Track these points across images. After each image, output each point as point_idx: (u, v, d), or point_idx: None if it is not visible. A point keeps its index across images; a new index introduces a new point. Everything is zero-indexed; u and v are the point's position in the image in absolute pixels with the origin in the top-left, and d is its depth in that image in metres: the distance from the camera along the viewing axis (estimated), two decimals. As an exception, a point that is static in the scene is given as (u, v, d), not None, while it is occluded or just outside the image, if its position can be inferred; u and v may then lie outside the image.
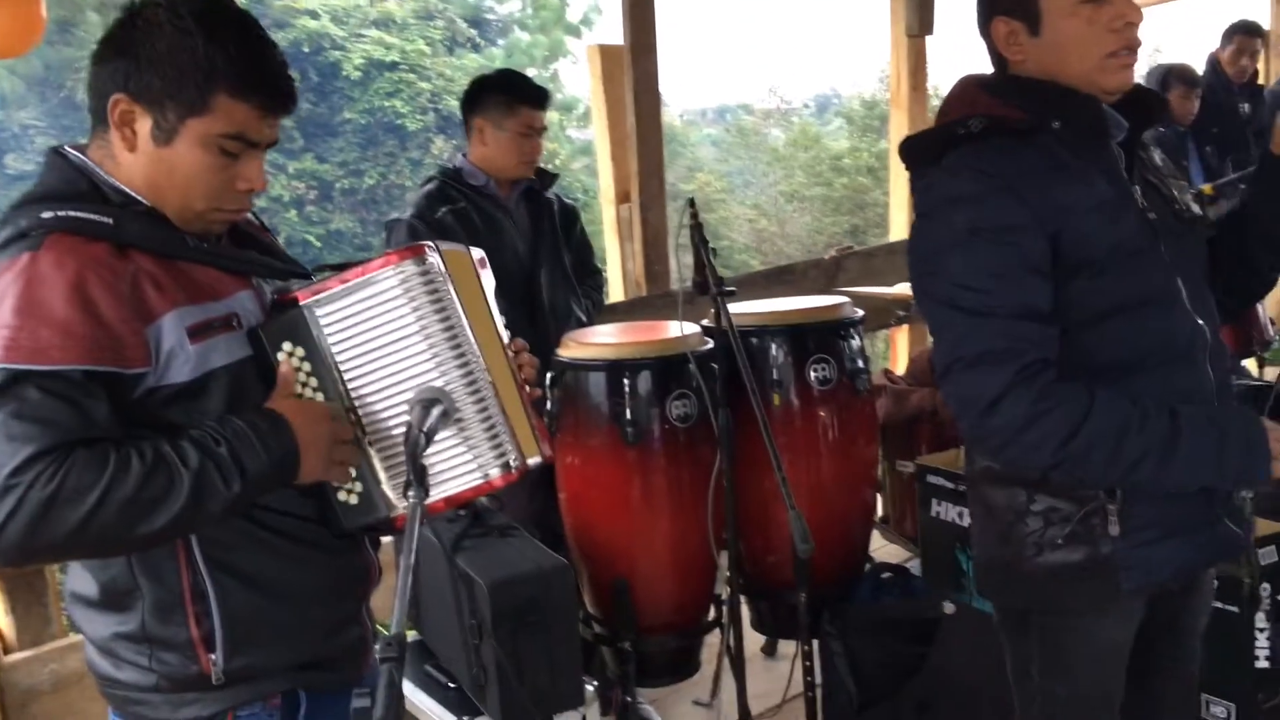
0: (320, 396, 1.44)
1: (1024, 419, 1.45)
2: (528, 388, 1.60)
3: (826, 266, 4.72)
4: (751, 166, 24.63)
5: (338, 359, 1.43)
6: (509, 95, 3.01)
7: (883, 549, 3.67)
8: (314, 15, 19.17)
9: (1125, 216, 1.56)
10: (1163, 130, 4.84)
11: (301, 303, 1.43)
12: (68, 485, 1.21)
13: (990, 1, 1.59)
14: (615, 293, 4.17)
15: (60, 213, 1.31)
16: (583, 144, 21.00)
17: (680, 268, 2.53)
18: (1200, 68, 5.15)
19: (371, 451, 1.45)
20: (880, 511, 3.75)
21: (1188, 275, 1.60)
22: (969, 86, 1.64)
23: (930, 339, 1.66)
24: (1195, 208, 1.69)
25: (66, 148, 1.42)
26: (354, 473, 1.46)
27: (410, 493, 1.28)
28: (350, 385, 1.44)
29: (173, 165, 1.37)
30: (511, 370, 1.58)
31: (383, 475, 1.46)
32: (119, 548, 1.32)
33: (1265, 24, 5.53)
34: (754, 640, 3.08)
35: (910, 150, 1.68)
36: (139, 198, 1.37)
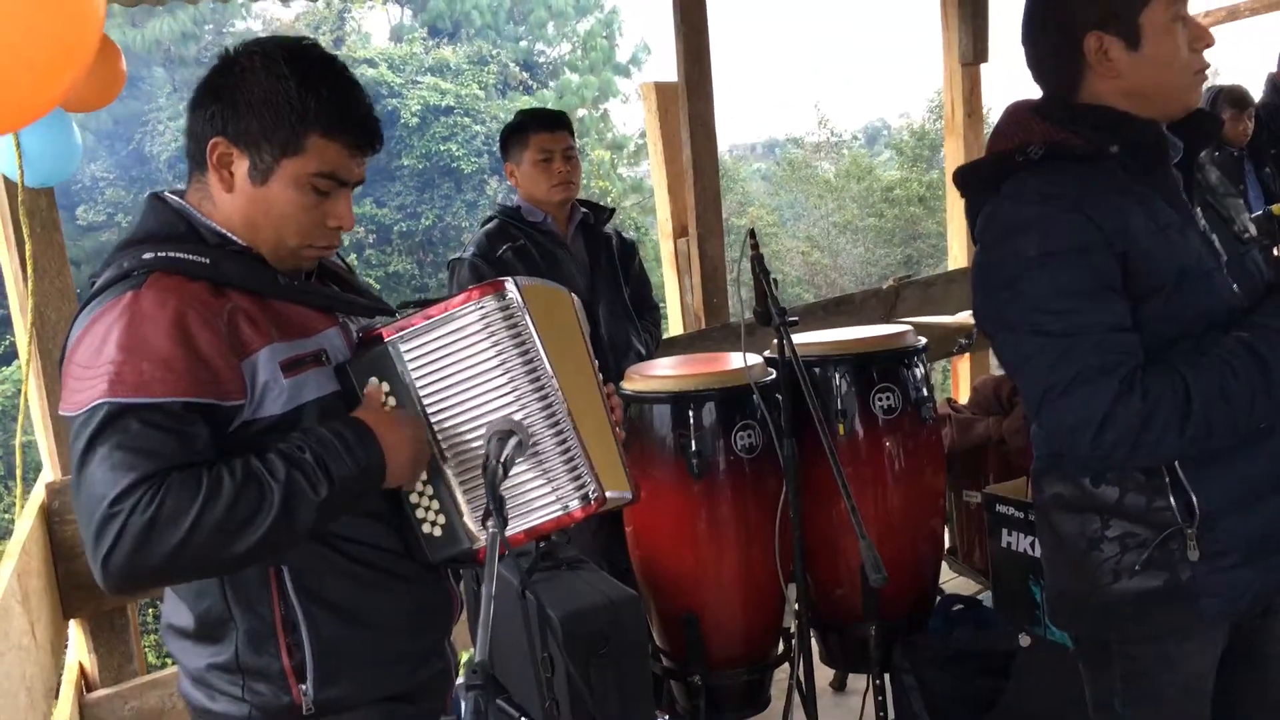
0: None
1: (1139, 424, 1.43)
2: (618, 428, 1.64)
3: (885, 296, 4.71)
4: (802, 199, 24.63)
5: (421, 393, 1.48)
6: (519, 130, 3.09)
7: (951, 581, 3.62)
8: (372, 63, 19.65)
9: (1189, 239, 1.54)
10: (1216, 153, 4.78)
11: (386, 339, 1.49)
12: (165, 508, 1.26)
13: (1074, 17, 1.55)
14: (674, 326, 4.19)
15: (160, 253, 1.37)
16: (634, 181, 21.19)
17: (740, 299, 2.54)
18: (1257, 88, 5.08)
19: (455, 483, 1.49)
20: (948, 543, 3.71)
21: (1251, 295, 1.58)
22: (1022, 112, 1.63)
23: (995, 370, 1.65)
24: (1253, 228, 1.67)
25: (166, 193, 1.49)
26: (438, 504, 1.50)
27: (489, 523, 1.31)
28: (433, 418, 1.48)
29: (268, 203, 1.43)
30: (605, 408, 1.62)
31: (465, 507, 1.49)
32: (218, 566, 1.35)
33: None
34: (823, 674, 3.05)
35: (966, 178, 1.67)
36: (234, 238, 1.44)
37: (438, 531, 1.51)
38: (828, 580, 2.75)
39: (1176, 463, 1.53)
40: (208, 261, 1.39)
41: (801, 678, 2.52)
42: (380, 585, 1.49)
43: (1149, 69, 1.53)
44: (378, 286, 17.36)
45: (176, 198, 1.48)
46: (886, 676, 2.70)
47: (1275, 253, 3.40)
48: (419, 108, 18.99)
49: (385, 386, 1.48)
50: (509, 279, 1.49)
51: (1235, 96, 4.79)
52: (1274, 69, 5.16)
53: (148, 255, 1.37)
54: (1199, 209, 1.61)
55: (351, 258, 17.98)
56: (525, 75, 22.19)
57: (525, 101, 19.89)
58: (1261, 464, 1.56)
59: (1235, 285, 1.57)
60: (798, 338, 2.72)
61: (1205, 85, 4.99)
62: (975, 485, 3.42)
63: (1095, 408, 1.44)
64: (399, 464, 1.42)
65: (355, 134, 1.45)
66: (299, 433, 1.38)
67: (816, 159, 24.89)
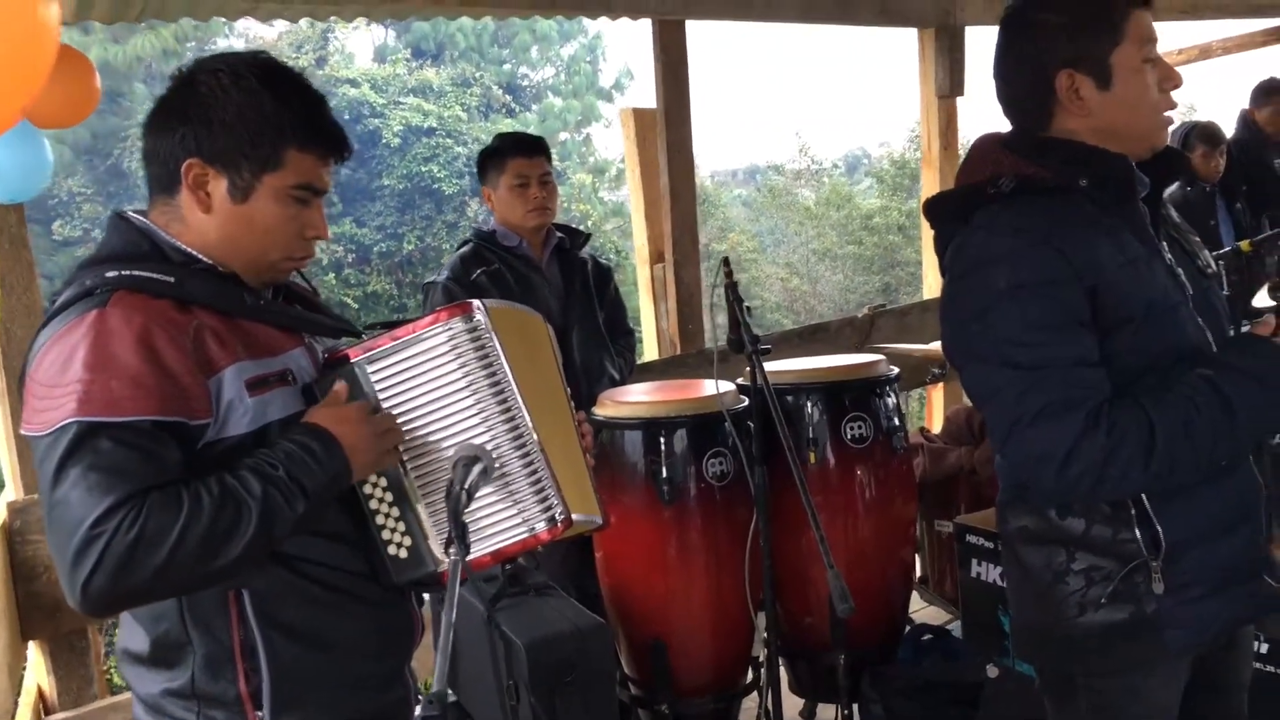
0: None
1: (1103, 459, 1.44)
2: (588, 454, 1.64)
3: (860, 324, 4.73)
4: (783, 226, 24.76)
5: (390, 413, 1.47)
6: (496, 154, 3.09)
7: (922, 610, 3.61)
8: (355, 84, 19.66)
9: (1156, 273, 1.56)
10: (1188, 189, 4.84)
11: (353, 360, 1.48)
12: (149, 529, 1.24)
13: (1046, 55, 1.55)
14: (650, 352, 4.19)
15: (125, 271, 1.36)
16: (615, 205, 21.26)
17: (714, 326, 2.55)
18: (1230, 125, 5.16)
19: (420, 507, 1.49)
20: (919, 572, 3.71)
21: (1215, 329, 1.60)
22: (990, 146, 1.64)
23: (968, 400, 1.65)
24: (1213, 264, 1.69)
25: (129, 212, 1.48)
26: (404, 527, 1.49)
27: (451, 549, 1.30)
28: (400, 442, 1.47)
29: (252, 220, 1.44)
30: (576, 433, 1.63)
31: (431, 530, 1.48)
32: (199, 582, 1.34)
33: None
34: (793, 703, 3.03)
35: (935, 209, 1.68)
36: (200, 257, 1.43)
37: (403, 554, 1.50)
38: (797, 609, 2.74)
39: (1143, 496, 1.53)
40: (172, 280, 1.38)
41: (770, 707, 2.51)
42: (341, 608, 1.48)
43: (1118, 109, 1.55)
44: (356, 307, 17.32)
45: (140, 217, 1.46)
46: (855, 706, 2.69)
47: (1248, 285, 3.44)
48: (401, 128, 18.99)
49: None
50: (477, 301, 1.49)
51: (1208, 133, 4.86)
52: (1246, 106, 5.25)
53: (111, 273, 1.36)
54: (1165, 243, 1.62)
55: (330, 277, 17.92)
56: (508, 98, 22.25)
57: (508, 124, 19.97)
58: (1226, 497, 1.57)
59: (1201, 320, 1.59)
60: (771, 365, 2.73)
61: (1180, 121, 5.05)
62: (947, 515, 3.42)
63: (1061, 441, 1.45)
64: (363, 464, 1.43)
65: (328, 144, 1.47)
66: (266, 449, 1.37)
67: (797, 186, 25.05)
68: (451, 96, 20.24)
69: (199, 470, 1.33)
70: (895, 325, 4.79)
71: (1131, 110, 1.55)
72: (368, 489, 1.50)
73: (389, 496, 1.50)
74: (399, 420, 1.47)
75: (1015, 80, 1.61)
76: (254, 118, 1.40)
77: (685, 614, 2.59)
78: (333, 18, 3.79)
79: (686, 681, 2.62)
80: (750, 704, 2.78)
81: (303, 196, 1.46)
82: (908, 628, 2.93)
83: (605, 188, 22.28)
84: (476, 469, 1.40)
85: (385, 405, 1.47)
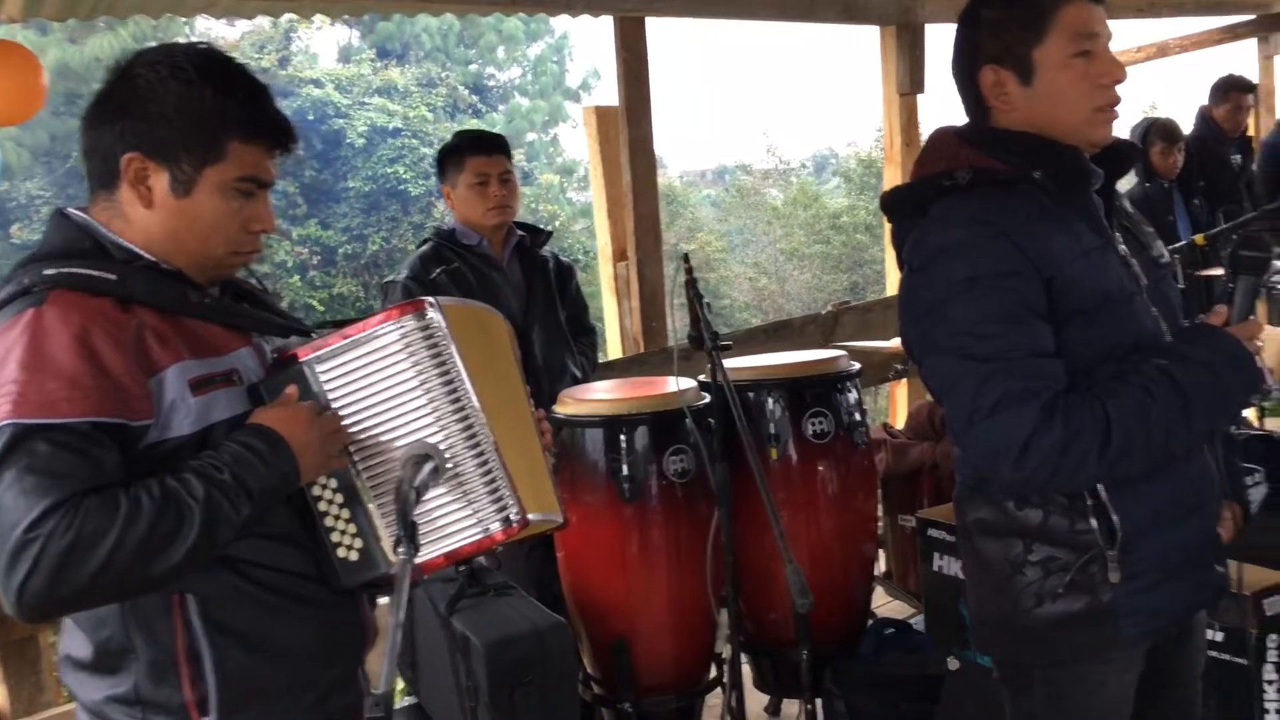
0: None
1: (1059, 448, 1.44)
2: (548, 452, 1.63)
3: (824, 321, 4.74)
4: (751, 226, 24.81)
5: (338, 414, 1.45)
6: (456, 153, 3.07)
7: (887, 605, 3.62)
8: (319, 84, 19.50)
9: (1110, 263, 1.56)
10: (1147, 185, 4.90)
11: (301, 359, 1.46)
12: (85, 532, 1.22)
13: (977, 50, 1.59)
14: (613, 350, 4.18)
15: (63, 269, 1.33)
16: (583, 205, 21.22)
17: (677, 324, 2.54)
18: (1189, 122, 5.23)
19: (372, 507, 1.46)
20: (884, 567, 3.72)
21: (1169, 319, 1.61)
22: (947, 138, 1.65)
23: (930, 394, 1.65)
24: (1167, 253, 1.71)
25: (70, 209, 1.45)
26: (355, 528, 1.47)
27: (400, 550, 1.28)
28: (351, 442, 1.45)
29: (194, 215, 1.41)
30: (535, 432, 1.61)
31: (383, 531, 1.46)
32: (140, 587, 1.32)
33: (1253, 79, 5.61)
34: (757, 700, 3.03)
35: (893, 202, 1.69)
36: (142, 254, 1.40)
37: (354, 556, 1.47)
38: (761, 605, 2.74)
39: (1099, 486, 1.54)
40: (114, 277, 1.35)
41: (734, 704, 2.50)
42: (289, 611, 1.45)
43: (1042, 104, 1.56)
44: (321, 309, 17.18)
45: (81, 214, 1.43)
46: (819, 702, 2.69)
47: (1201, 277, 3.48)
48: (366, 129, 18.86)
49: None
50: (430, 299, 1.47)
51: (1166, 130, 4.92)
52: (1205, 103, 5.32)
53: (49, 271, 1.33)
54: (1118, 234, 1.63)
55: (295, 279, 17.76)
56: (475, 98, 22.16)
57: (475, 125, 19.88)
58: (1181, 487, 1.58)
59: (1155, 310, 1.59)
60: (733, 362, 2.72)
61: (1141, 118, 5.12)
62: (910, 510, 3.43)
63: (1017, 433, 1.45)
64: (311, 465, 1.41)
65: (272, 135, 1.45)
66: (211, 450, 1.35)
67: (765, 186, 25.10)
68: (417, 97, 20.13)
69: (142, 472, 1.30)
70: (859, 322, 4.80)
71: (1054, 106, 1.55)
72: (317, 490, 1.48)
73: (339, 498, 1.48)
74: (350, 420, 1.45)
75: (957, 75, 1.64)
76: (194, 110, 1.38)
77: (647, 612, 2.57)
78: (289, 15, 3.75)
79: (649, 679, 2.61)
80: (715, 700, 2.78)
81: (246, 189, 1.43)
82: (870, 622, 2.93)
83: (573, 188, 22.24)
84: (427, 468, 1.38)
85: (336, 405, 1.45)
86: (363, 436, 1.45)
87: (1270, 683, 2.27)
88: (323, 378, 1.46)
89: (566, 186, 21.61)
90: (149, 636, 1.37)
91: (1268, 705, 2.27)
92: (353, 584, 1.48)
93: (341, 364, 1.45)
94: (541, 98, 23.42)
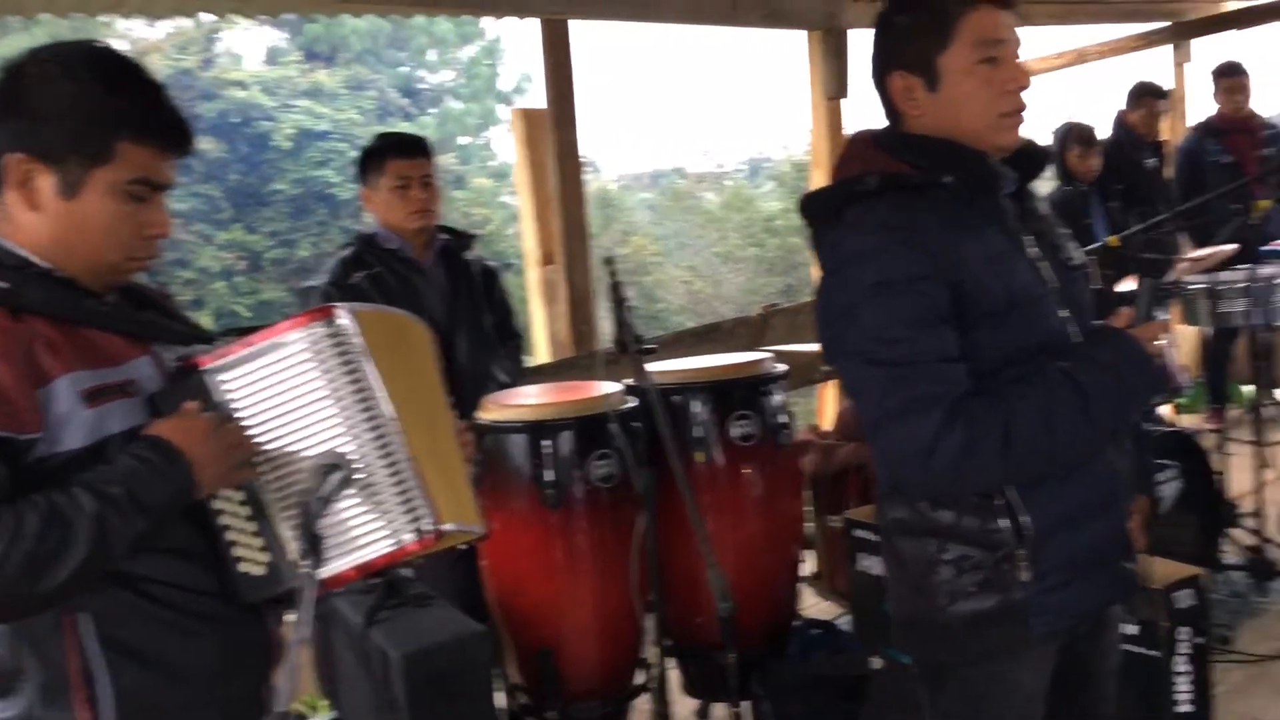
0: None
1: (962, 451, 1.46)
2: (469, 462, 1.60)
3: (754, 324, 4.76)
4: (687, 229, 24.89)
5: (243, 425, 1.41)
6: (376, 155, 3.01)
7: (816, 605, 3.65)
8: (243, 86, 19.12)
9: (1018, 267, 1.58)
10: (1066, 188, 5.00)
11: (203, 368, 1.42)
12: None
13: (888, 57, 1.61)
14: (541, 355, 4.15)
15: None
16: (517, 210, 21.11)
17: (598, 328, 2.53)
18: (1107, 127, 5.35)
19: (280, 519, 1.42)
20: (814, 568, 3.75)
21: (1078, 321, 1.64)
22: (862, 143, 1.66)
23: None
24: (1079, 256, 1.73)
25: None
26: (261, 542, 1.43)
27: (303, 563, 1.25)
28: (257, 452, 1.41)
29: (83, 218, 1.36)
30: (456, 440, 1.58)
31: (291, 545, 1.42)
32: (29, 605, 1.27)
33: (1166, 85, 5.76)
34: (686, 704, 3.03)
35: (809, 207, 1.69)
36: (34, 260, 1.35)
37: (258, 570, 1.43)
38: (687, 609, 2.73)
39: (1009, 486, 1.56)
40: (6, 285, 1.30)
41: (660, 709, 2.49)
42: (189, 628, 1.41)
43: (948, 110, 1.58)
44: (249, 315, 16.84)
45: None
46: (747, 704, 2.69)
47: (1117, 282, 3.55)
48: (293, 132, 18.54)
49: None
50: (342, 305, 1.44)
51: (1083, 134, 5.02)
52: (1123, 108, 5.45)
53: None
54: (1029, 238, 1.65)
55: (220, 285, 17.39)
56: (406, 101, 21.92)
57: (406, 128, 19.66)
58: (1089, 486, 1.60)
59: (1063, 313, 1.62)
60: (659, 365, 2.72)
61: (1062, 122, 5.20)
62: (838, 510, 3.46)
63: (923, 437, 1.47)
64: (211, 479, 1.37)
65: (166, 136, 1.40)
66: (104, 465, 1.30)
67: (701, 189, 25.21)
68: (346, 100, 19.85)
69: (32, 487, 1.26)
70: (789, 324, 4.84)
71: (960, 111, 1.57)
72: (219, 504, 1.44)
73: (244, 510, 1.44)
74: (257, 431, 1.41)
75: (874, 80, 1.65)
76: (83, 109, 1.33)
77: (573, 619, 2.56)
78: (204, 13, 3.66)
79: (576, 686, 2.59)
80: (644, 706, 2.77)
81: (139, 192, 1.38)
82: (797, 623, 2.94)
83: (507, 192, 22.07)
84: (334, 478, 1.35)
85: (240, 416, 1.41)
86: (269, 448, 1.41)
87: (1181, 674, 2.33)
88: (225, 388, 1.42)
89: (500, 191, 21.45)
90: (40, 657, 1.33)
91: (1178, 696, 2.33)
92: (257, 599, 1.44)
93: (245, 373, 1.41)
94: (474, 101, 23.24)
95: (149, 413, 1.39)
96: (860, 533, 2.91)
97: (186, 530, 1.40)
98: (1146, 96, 5.40)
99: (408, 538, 1.41)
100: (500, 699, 2.73)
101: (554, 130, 3.99)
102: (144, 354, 1.43)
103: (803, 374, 4.06)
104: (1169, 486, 3.19)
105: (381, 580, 2.25)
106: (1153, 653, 2.33)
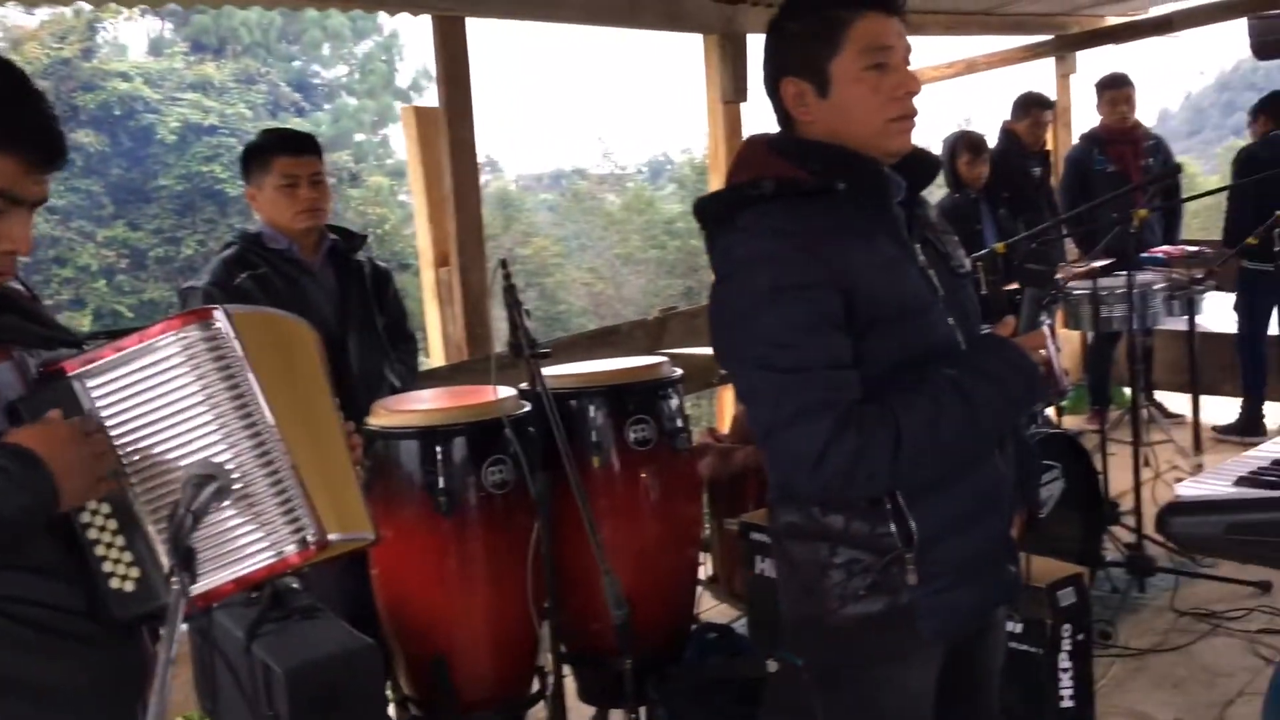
0: None
1: (851, 458, 1.47)
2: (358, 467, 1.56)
3: (651, 327, 4.76)
4: (588, 230, 24.89)
5: (112, 433, 1.35)
6: (261, 152, 2.92)
7: (713, 609, 3.66)
8: (126, 77, 18.42)
9: (908, 274, 1.60)
10: (956, 195, 5.13)
11: (69, 373, 1.36)
12: None
13: (780, 62, 1.62)
14: (436, 357, 4.08)
15: None
16: (413, 209, 20.82)
17: (499, 330, 2.49)
18: (996, 135, 5.51)
19: (152, 532, 1.37)
20: (711, 571, 3.76)
21: (965, 327, 1.66)
22: (757, 147, 1.66)
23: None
24: (967, 263, 1.77)
25: None
26: (131, 556, 1.37)
27: (173, 579, 1.19)
28: (128, 462, 1.36)
29: None
30: (344, 446, 1.54)
31: (165, 559, 1.36)
32: None
33: (1051, 96, 5.95)
34: (582, 712, 3.00)
35: (704, 211, 1.69)
36: None
37: (129, 586, 1.37)
38: (583, 615, 2.71)
39: (897, 491, 1.57)
40: None
41: (555, 716, 2.46)
42: (56, 651, 1.34)
43: (838, 115, 1.59)
44: (131, 315, 16.23)
45: None
46: (643, 710, 2.68)
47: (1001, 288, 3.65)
48: (178, 125, 17.93)
49: None
50: (219, 307, 1.39)
51: (972, 142, 5.16)
52: (1008, 118, 5.61)
53: None
54: (919, 245, 1.67)
55: (101, 284, 16.72)
56: (298, 96, 21.42)
57: (298, 124, 19.20)
58: (974, 490, 1.63)
59: (951, 319, 1.64)
60: (555, 369, 2.69)
61: (954, 130, 5.30)
62: (736, 513, 3.47)
63: (813, 443, 1.47)
64: (75, 490, 1.30)
65: (32, 149, 1.31)
66: None
67: (602, 191, 25.23)
68: (235, 93, 19.29)
69: None
70: (686, 327, 4.85)
71: (849, 117, 1.58)
72: (86, 516, 1.36)
73: (112, 524, 1.37)
74: (127, 439, 1.35)
75: (766, 85, 1.65)
76: None
77: (466, 627, 2.51)
78: (82, 2, 3.49)
79: (470, 696, 2.54)
80: (540, 714, 2.73)
81: None
82: (693, 628, 2.94)
83: (404, 191, 21.75)
84: (208, 489, 1.29)
85: (110, 423, 1.34)
86: (139, 457, 1.35)
87: (1064, 670, 2.40)
88: (94, 394, 1.36)
89: (397, 189, 21.12)
90: None
91: (1062, 691, 2.40)
92: (128, 616, 1.38)
93: (115, 379, 1.36)
94: (370, 97, 22.85)
95: (9, 420, 1.32)
96: (757, 536, 2.93)
97: (51, 545, 1.34)
98: (1032, 107, 5.57)
99: (290, 549, 1.37)
100: (393, 710, 2.66)
101: (448, 129, 3.91)
102: (4, 359, 1.35)
103: (701, 377, 4.07)
104: (1053, 486, 3.29)
105: (265, 592, 2.16)
106: (1036, 650, 2.39)
